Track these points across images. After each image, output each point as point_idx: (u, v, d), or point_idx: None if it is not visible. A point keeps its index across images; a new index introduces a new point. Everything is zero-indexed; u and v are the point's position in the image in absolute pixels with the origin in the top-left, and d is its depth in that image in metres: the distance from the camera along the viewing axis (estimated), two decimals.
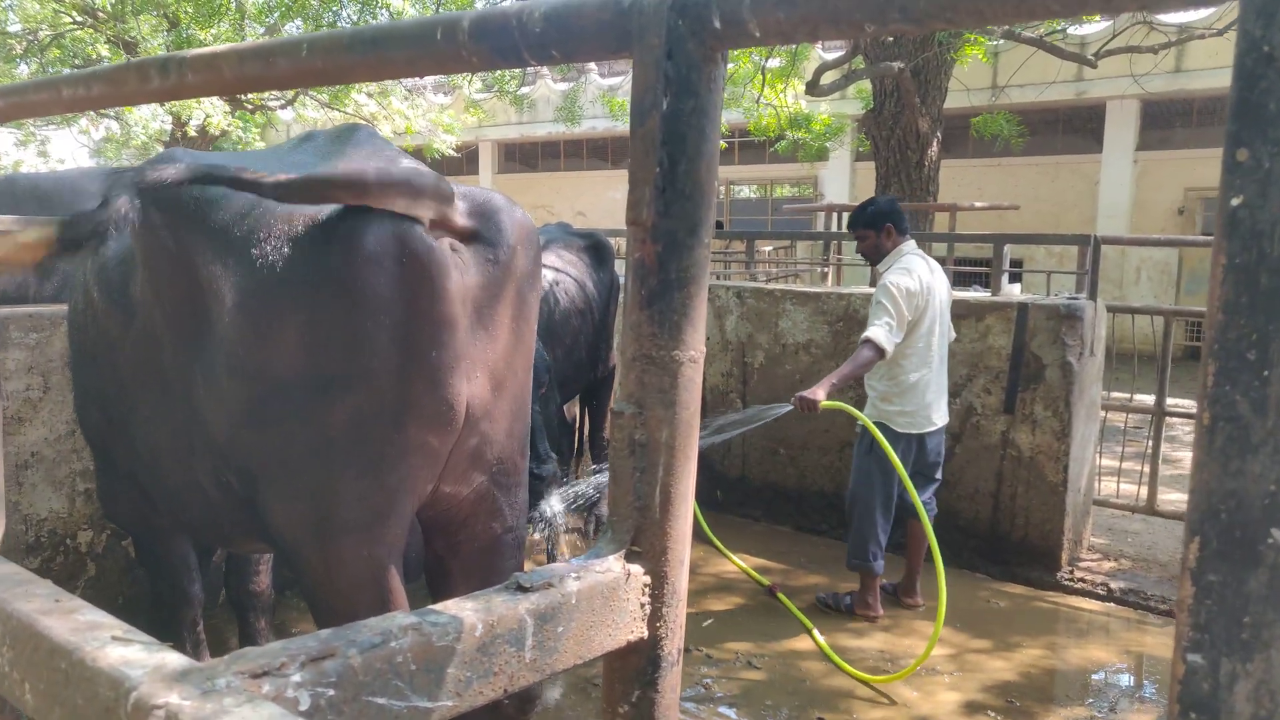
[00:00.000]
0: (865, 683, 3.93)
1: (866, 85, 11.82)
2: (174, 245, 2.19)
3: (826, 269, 8.50)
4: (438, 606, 0.77)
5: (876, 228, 4.61)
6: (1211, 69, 14.46)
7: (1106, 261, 15.53)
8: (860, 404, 4.71)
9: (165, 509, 2.70)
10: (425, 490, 2.24)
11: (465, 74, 17.96)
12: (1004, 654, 4.28)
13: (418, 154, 21.16)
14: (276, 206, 2.10)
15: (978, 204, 10.74)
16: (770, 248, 15.97)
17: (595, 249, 5.74)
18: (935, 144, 9.60)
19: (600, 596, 0.85)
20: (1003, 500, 5.42)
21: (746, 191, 23.17)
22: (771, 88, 13.65)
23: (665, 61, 0.82)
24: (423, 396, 2.12)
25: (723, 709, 3.73)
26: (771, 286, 6.51)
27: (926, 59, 9.27)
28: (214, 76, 1.26)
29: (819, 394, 4.19)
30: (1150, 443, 5.56)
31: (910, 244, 4.64)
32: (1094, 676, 4.14)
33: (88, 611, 0.73)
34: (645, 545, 0.89)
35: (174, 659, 0.64)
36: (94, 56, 16.00)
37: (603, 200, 21.67)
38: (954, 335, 4.83)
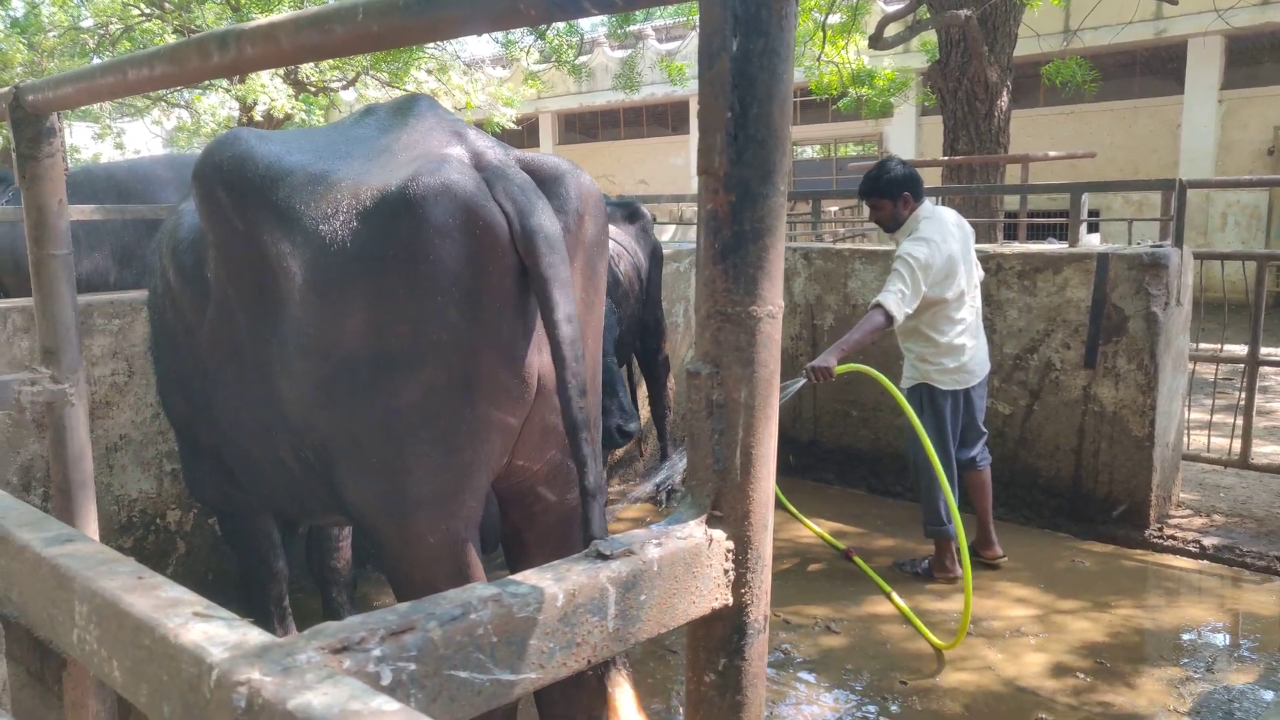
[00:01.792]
0: (935, 647, 3.86)
1: (931, 36, 11.47)
2: (241, 225, 2.21)
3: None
4: (517, 577, 0.75)
5: (894, 196, 4.43)
6: None
7: (1190, 207, 14.91)
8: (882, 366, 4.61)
9: (249, 486, 2.75)
10: (500, 463, 2.24)
11: (523, 47, 17.88)
12: (1091, 614, 4.17)
13: (479, 128, 21.30)
14: (341, 179, 2.10)
15: (1051, 153, 10.36)
16: (836, 208, 15.70)
17: (634, 216, 5.67)
18: (1005, 94, 9.27)
19: (682, 563, 0.82)
20: (1085, 457, 5.27)
21: (809, 152, 22.79)
22: (833, 44, 13.36)
23: (734, 0, 0.78)
24: (494, 370, 2.11)
25: (802, 674, 3.71)
26: (840, 246, 6.39)
27: (994, 5, 8.95)
28: (272, 48, 1.25)
29: (831, 361, 4.14)
30: (1243, 394, 5.33)
31: (926, 206, 4.47)
32: (1187, 636, 4.01)
33: (169, 588, 0.73)
34: (726, 509, 0.85)
35: (254, 635, 0.63)
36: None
37: (664, 167, 21.52)
38: (981, 274, 4.67)
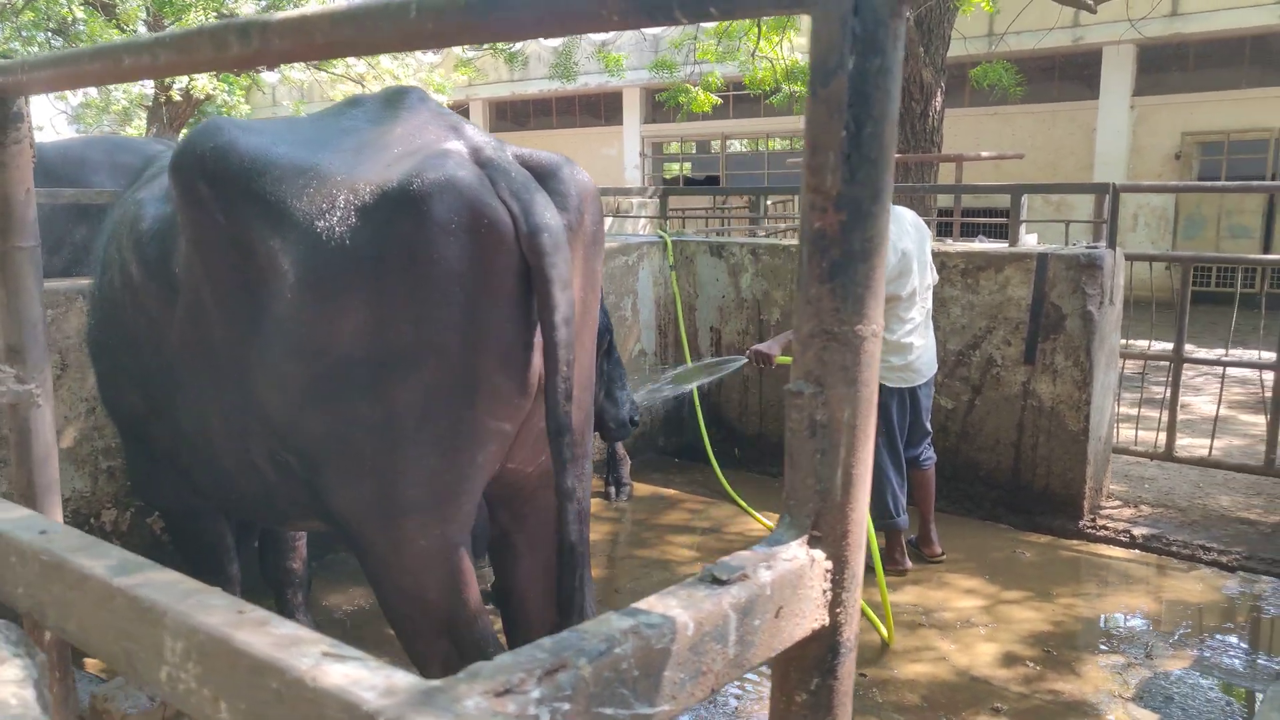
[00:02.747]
0: (885, 640, 3.94)
1: None
2: (224, 219, 2.13)
3: None
4: (645, 605, 0.73)
5: None
6: (1208, 11, 14.31)
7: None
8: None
9: (211, 490, 2.66)
10: (495, 467, 2.20)
11: None
12: (1036, 604, 4.30)
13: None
14: (335, 173, 2.04)
15: (984, 154, 10.63)
16: (771, 201, 15.86)
17: None
18: (939, 95, 9.47)
19: (789, 585, 0.82)
20: (1024, 450, 5.42)
21: (737, 145, 22.95)
22: (767, 40, 13.46)
23: (852, 18, 0.76)
24: (494, 371, 2.07)
25: (764, 668, 3.73)
26: (787, 243, 6.45)
27: (930, 7, 9.12)
28: (303, 42, 1.19)
29: (774, 349, 4.28)
30: (1169, 390, 5.55)
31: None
32: (1125, 624, 4.16)
33: (279, 623, 0.69)
34: (825, 529, 0.85)
35: (401, 677, 0.60)
36: (69, 18, 15.61)
37: (598, 158, 21.44)
38: (935, 277, 4.77)
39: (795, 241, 6.70)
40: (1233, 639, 4.02)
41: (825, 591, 0.85)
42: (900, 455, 4.65)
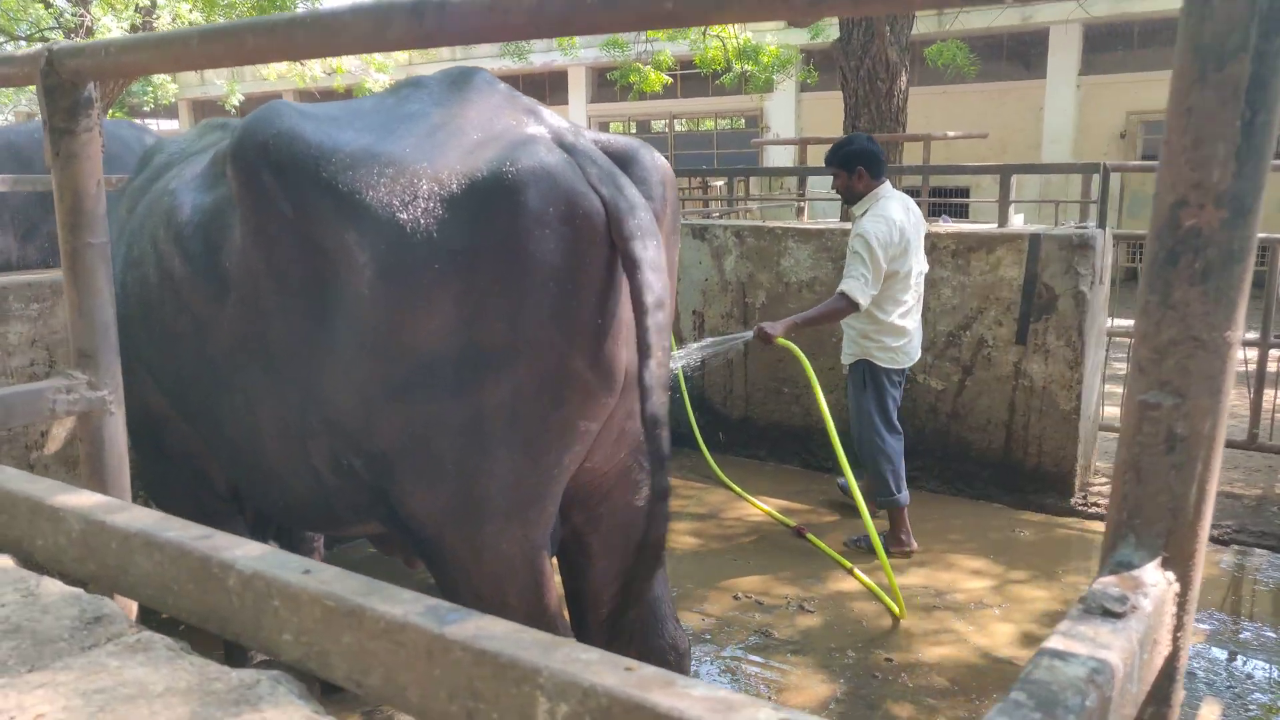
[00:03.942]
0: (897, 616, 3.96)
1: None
2: (293, 211, 1.99)
3: (803, 204, 8.40)
4: (1061, 645, 0.67)
5: (849, 169, 4.58)
6: None
7: (1050, 186, 15.78)
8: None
9: (256, 494, 2.52)
10: (576, 467, 2.11)
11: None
12: (1042, 583, 4.35)
13: (348, 95, 20.32)
14: (414, 161, 1.91)
15: (950, 133, 10.70)
16: (720, 183, 15.83)
17: None
18: (904, 74, 9.50)
19: (1158, 614, 0.76)
20: (1015, 430, 5.48)
21: (679, 126, 22.83)
22: None
23: None
24: (584, 368, 1.98)
25: (789, 656, 3.72)
26: (773, 224, 6.40)
27: None
28: (487, 22, 1.09)
29: (778, 329, 4.33)
30: None
31: (885, 187, 4.63)
32: None
33: (685, 683, 0.61)
34: (1174, 549, 0.79)
35: None
36: None
37: None
38: (925, 266, 4.83)
39: (779, 223, 6.69)
40: (1240, 612, 4.12)
41: (1172, 615, 0.80)
42: (899, 433, 4.68)
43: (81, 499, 1.09)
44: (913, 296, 4.60)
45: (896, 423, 4.70)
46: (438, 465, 1.99)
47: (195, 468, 2.78)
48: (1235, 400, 6.84)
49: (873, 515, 4.33)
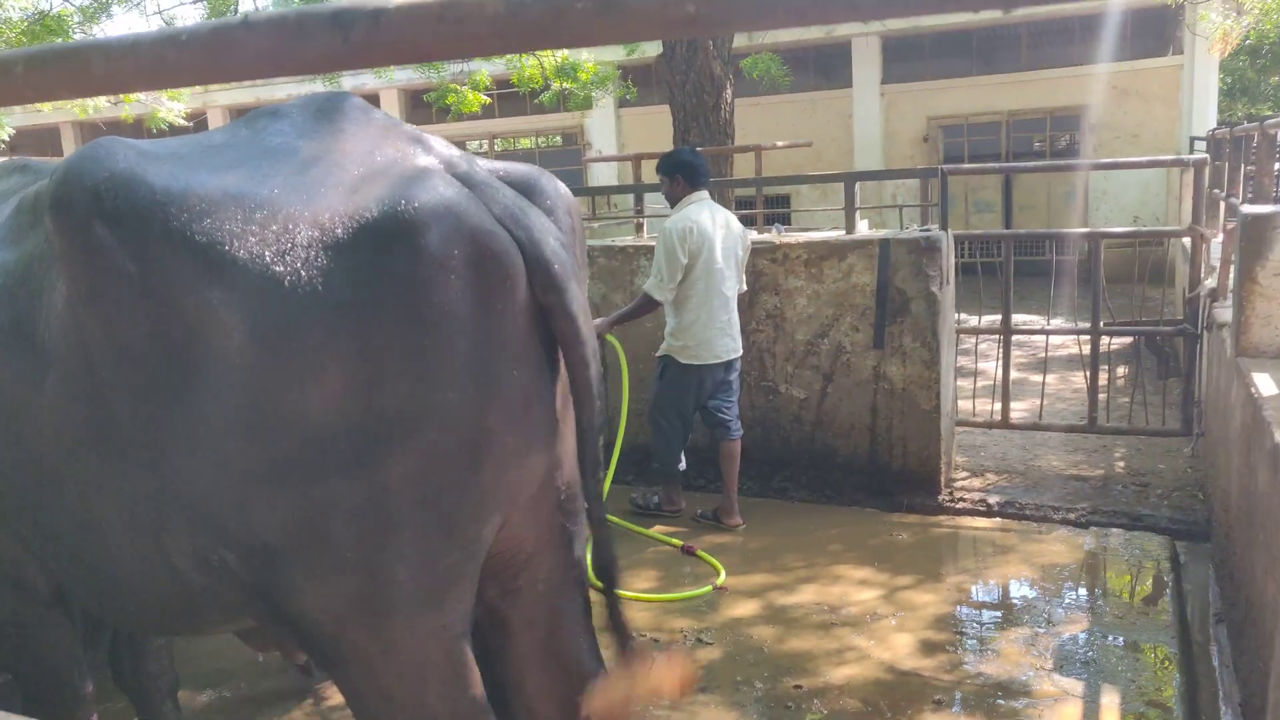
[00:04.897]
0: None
1: None
2: (136, 269, 1.63)
3: (641, 220, 8.32)
4: None
5: (670, 175, 5.07)
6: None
7: (866, 190, 16.45)
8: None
9: (91, 598, 2.11)
10: (494, 536, 1.85)
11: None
12: (929, 587, 4.36)
13: (137, 126, 18.86)
14: (288, 203, 1.61)
15: (779, 143, 10.93)
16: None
17: None
18: (729, 87, 9.61)
19: None
20: (879, 433, 5.54)
21: (498, 145, 22.50)
22: None
23: None
24: (502, 428, 1.72)
25: (697, 694, 3.53)
26: (624, 243, 6.25)
27: None
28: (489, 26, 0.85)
29: (603, 326, 4.82)
30: (999, 362, 5.86)
31: (698, 194, 5.05)
32: (1017, 594, 4.31)
33: None
34: None
35: None
36: None
37: None
38: (743, 287, 5.24)
39: (630, 241, 6.56)
40: (1113, 593, 4.26)
41: None
42: (685, 424, 5.14)
43: None
44: (715, 300, 4.93)
45: (688, 415, 5.12)
46: (334, 554, 1.69)
47: (4, 573, 2.34)
48: (1036, 382, 7.21)
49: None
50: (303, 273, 1.58)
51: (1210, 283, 5.20)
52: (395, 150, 1.79)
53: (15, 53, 1.07)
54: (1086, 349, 5.76)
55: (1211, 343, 4.98)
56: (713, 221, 4.94)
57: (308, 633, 1.80)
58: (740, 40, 15.18)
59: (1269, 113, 21.03)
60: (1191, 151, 12.57)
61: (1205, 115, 14.10)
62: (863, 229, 7.03)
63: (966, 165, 12.87)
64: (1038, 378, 7.58)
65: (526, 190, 1.89)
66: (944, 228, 5.57)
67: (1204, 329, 5.25)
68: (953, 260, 5.66)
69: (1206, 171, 5.32)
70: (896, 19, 14.19)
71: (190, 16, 15.80)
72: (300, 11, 0.93)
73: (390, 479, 1.65)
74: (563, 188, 2.03)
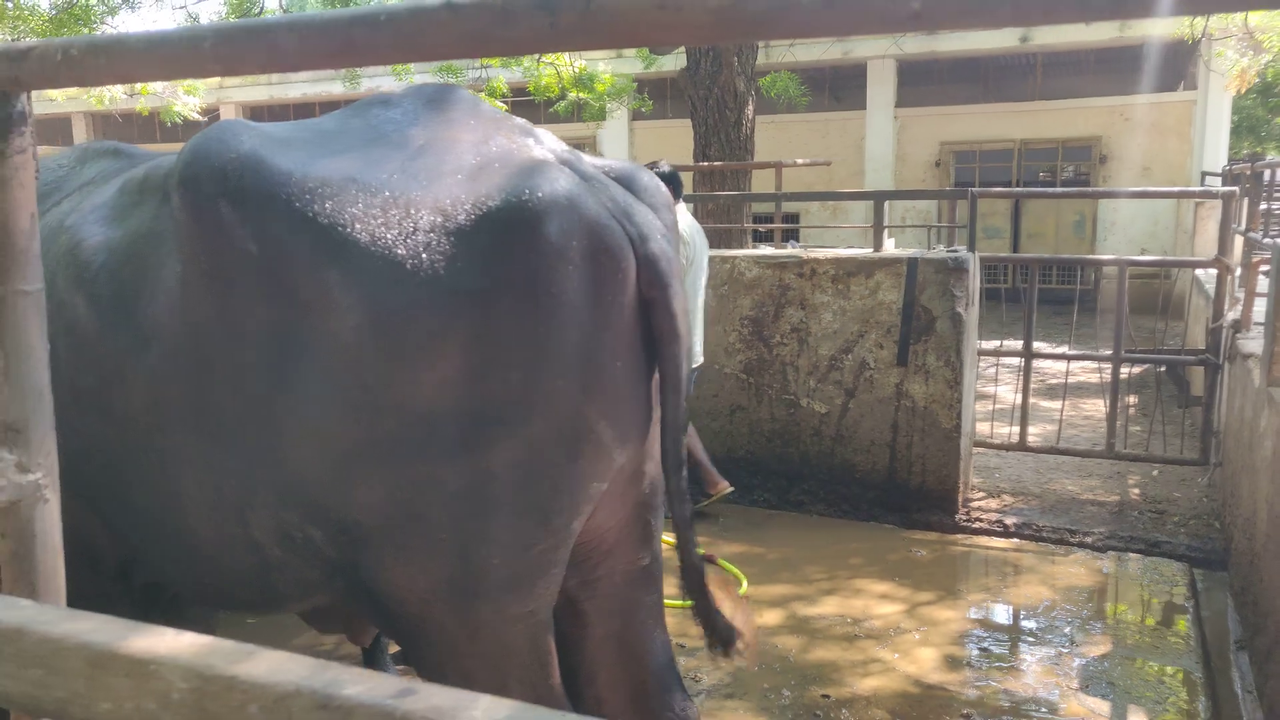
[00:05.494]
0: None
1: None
2: (258, 250, 1.67)
3: None
4: None
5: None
6: (959, 31, 15.62)
7: (874, 210, 16.57)
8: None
9: (162, 570, 2.14)
10: (581, 525, 1.88)
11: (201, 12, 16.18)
12: (951, 603, 4.40)
13: (151, 120, 18.92)
14: (412, 190, 1.65)
15: (799, 160, 11.02)
16: None
17: None
18: (751, 103, 9.70)
19: None
20: (899, 450, 5.58)
21: None
22: None
23: None
24: (601, 422, 1.76)
25: (725, 702, 3.56)
26: None
27: None
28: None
29: None
30: (1020, 385, 5.91)
31: (680, 206, 5.13)
32: (1040, 614, 4.34)
33: None
34: None
35: None
36: None
37: None
38: (704, 294, 5.34)
39: None
40: (1134, 616, 4.29)
41: None
42: None
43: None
44: (696, 306, 5.10)
45: None
46: (428, 535, 1.72)
47: (77, 547, 2.36)
48: (1053, 408, 7.27)
49: None
50: (424, 257, 1.62)
51: (1233, 314, 5.26)
52: (508, 141, 1.84)
53: (204, 27, 1.11)
54: (1086, 376, 5.82)
55: (1234, 373, 5.03)
56: (692, 230, 5.07)
57: (392, 612, 1.83)
58: (761, 59, 15.31)
59: (1274, 151, 21.23)
60: (1203, 184, 12.69)
61: (1217, 150, 14.24)
62: (889, 247, 7.08)
63: (996, 189, 12.95)
64: (1048, 403, 7.65)
65: (628, 185, 1.93)
66: (971, 249, 5.62)
67: (1225, 359, 5.30)
68: (978, 282, 5.71)
69: (1232, 204, 5.39)
70: (1032, 26, 14.34)
71: (207, 11, 15.83)
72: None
73: (493, 463, 1.69)
74: (659, 183, 2.07)
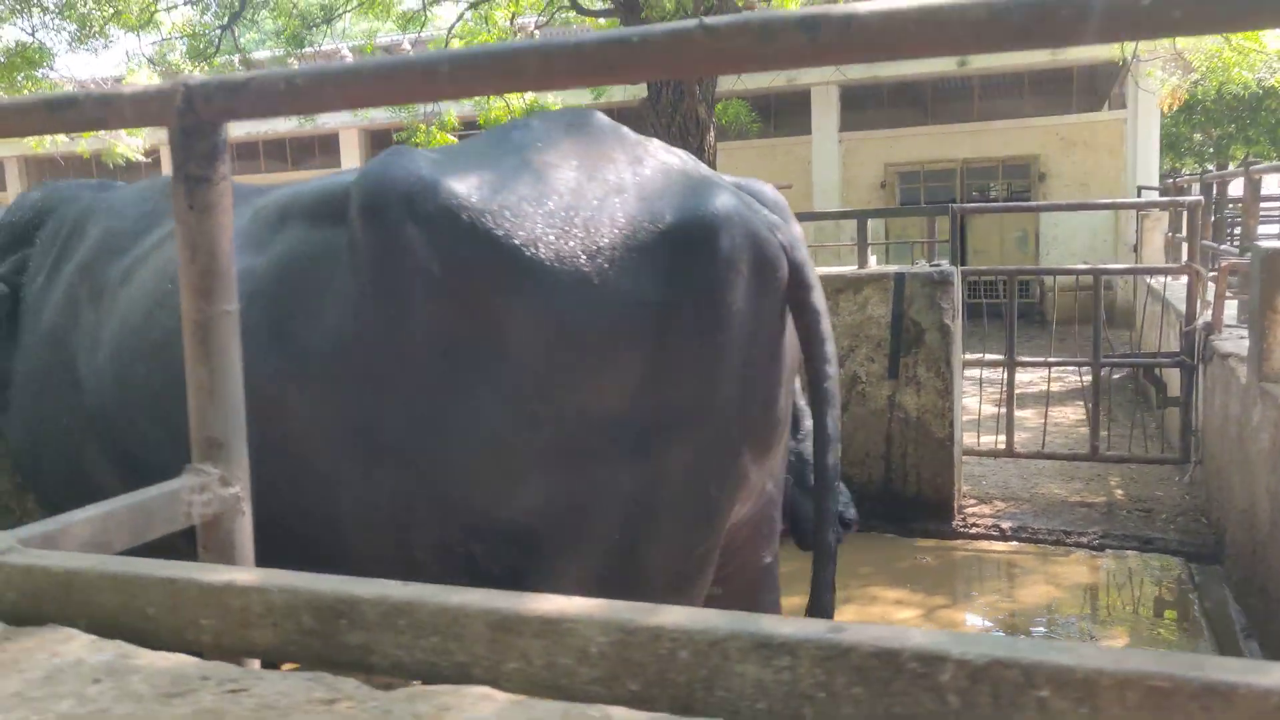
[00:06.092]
0: None
1: None
2: (440, 271, 1.72)
3: None
4: None
5: None
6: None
7: (823, 232, 16.91)
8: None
9: None
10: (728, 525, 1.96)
11: (168, 58, 15.82)
12: (965, 606, 4.52)
13: (95, 161, 18.51)
14: (585, 210, 1.72)
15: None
16: None
17: None
18: (711, 131, 9.89)
19: None
20: (894, 461, 5.71)
21: None
22: None
23: None
24: (758, 422, 1.85)
25: None
26: None
27: None
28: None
29: None
30: (1005, 392, 6.10)
31: None
32: (1053, 613, 4.48)
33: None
34: None
35: None
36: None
37: None
38: None
39: None
40: (1144, 612, 4.46)
41: None
42: None
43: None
44: None
45: None
46: (596, 537, 1.77)
47: None
48: (1027, 416, 7.50)
49: None
50: (607, 271, 1.69)
51: (1205, 317, 5.51)
52: (659, 160, 1.91)
53: (441, 53, 1.17)
54: (1054, 385, 6.04)
55: (1211, 373, 5.27)
56: None
57: None
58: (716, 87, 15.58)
59: (1194, 167, 22.15)
60: (1139, 197, 13.23)
61: (1149, 166, 14.86)
62: (871, 263, 7.26)
63: (985, 204, 13.32)
64: (1023, 411, 7.88)
65: (758, 199, 2.03)
66: (954, 263, 5.82)
67: (1200, 361, 5.55)
68: (962, 295, 5.90)
69: (1198, 214, 5.67)
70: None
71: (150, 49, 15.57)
72: (764, 15, 1.05)
73: (665, 467, 1.75)
74: (782, 197, 2.17)
